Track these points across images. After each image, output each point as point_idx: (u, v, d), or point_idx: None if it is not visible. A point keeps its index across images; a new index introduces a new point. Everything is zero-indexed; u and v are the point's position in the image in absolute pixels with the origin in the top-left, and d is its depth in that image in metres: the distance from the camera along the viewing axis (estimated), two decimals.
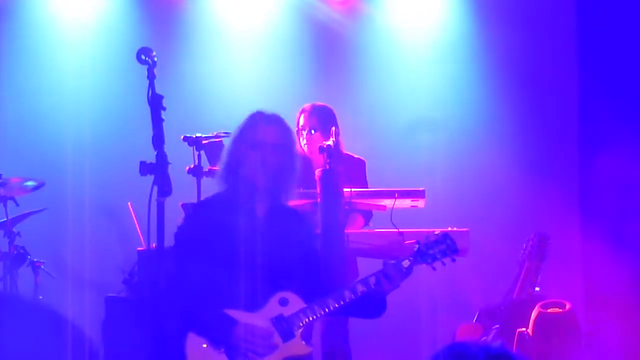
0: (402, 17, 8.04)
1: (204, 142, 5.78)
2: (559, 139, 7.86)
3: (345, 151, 6.41)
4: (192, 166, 5.73)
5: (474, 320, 6.22)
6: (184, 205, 5.94)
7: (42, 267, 6.70)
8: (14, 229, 6.62)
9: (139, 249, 6.23)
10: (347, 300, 4.50)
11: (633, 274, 6.96)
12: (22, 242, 6.64)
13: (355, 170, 6.40)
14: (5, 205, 6.61)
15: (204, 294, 4.43)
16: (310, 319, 4.48)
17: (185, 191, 5.49)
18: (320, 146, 5.68)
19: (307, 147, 6.30)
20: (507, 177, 7.81)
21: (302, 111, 6.38)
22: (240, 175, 4.57)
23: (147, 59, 3.96)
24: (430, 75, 7.99)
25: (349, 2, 8.06)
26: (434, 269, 4.64)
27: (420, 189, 6.14)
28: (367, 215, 6.34)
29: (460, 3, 8.05)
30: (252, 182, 4.55)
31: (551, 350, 5.76)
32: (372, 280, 4.52)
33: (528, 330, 5.83)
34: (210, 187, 5.93)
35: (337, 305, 4.49)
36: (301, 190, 5.25)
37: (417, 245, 4.65)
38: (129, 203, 6.60)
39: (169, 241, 4.04)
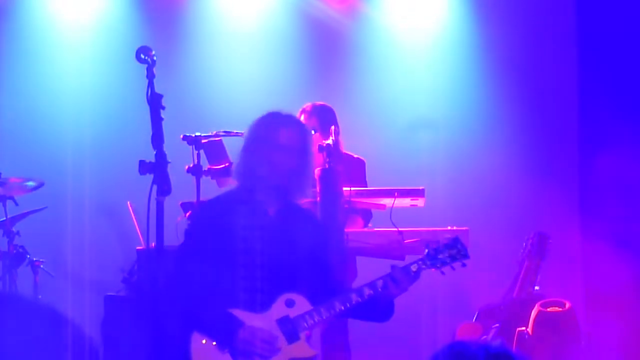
0: (402, 16, 8.04)
1: (203, 141, 5.78)
2: (558, 138, 7.86)
3: (345, 150, 6.41)
4: (191, 165, 5.72)
5: (473, 320, 6.22)
6: (183, 204, 5.94)
7: (42, 266, 6.70)
8: (13, 228, 6.62)
9: (138, 248, 6.24)
10: (354, 302, 4.46)
11: (633, 273, 6.96)
12: (21, 241, 6.64)
13: (355, 169, 6.40)
14: (4, 205, 6.61)
15: (211, 293, 4.41)
16: (316, 321, 4.45)
17: (184, 190, 5.49)
18: (319, 145, 5.68)
19: None
20: (506, 176, 7.81)
21: (303, 111, 6.38)
22: (258, 175, 4.53)
23: (146, 58, 3.96)
24: (429, 75, 7.99)
25: (349, 2, 8.05)
26: (442, 273, 4.58)
27: (420, 188, 6.14)
28: (367, 217, 6.34)
29: (460, 3, 8.04)
30: (271, 183, 4.53)
31: (551, 349, 5.76)
32: (380, 283, 4.48)
33: (528, 329, 5.83)
34: (210, 186, 5.96)
35: (343, 308, 4.46)
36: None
37: (426, 249, 4.59)
38: (128, 202, 6.60)
39: (168, 240, 4.04)
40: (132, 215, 6.55)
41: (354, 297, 4.46)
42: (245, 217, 4.51)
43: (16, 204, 6.69)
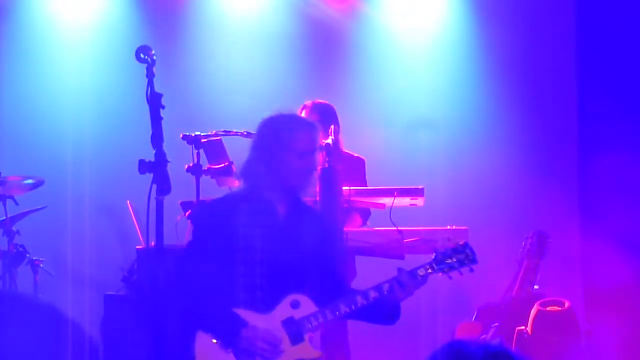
0: (402, 16, 8.04)
1: (202, 140, 5.78)
2: (558, 137, 7.86)
3: (345, 150, 6.42)
4: (191, 164, 5.72)
5: (473, 319, 6.23)
6: (183, 204, 5.95)
7: (42, 265, 6.70)
8: (13, 228, 6.62)
9: (138, 247, 6.24)
10: (359, 305, 4.44)
11: (632, 272, 6.96)
12: (21, 240, 6.64)
13: (355, 168, 6.40)
14: (4, 204, 6.61)
15: (217, 291, 4.40)
16: (321, 322, 4.44)
17: (184, 189, 5.49)
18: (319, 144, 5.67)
19: None
20: (506, 175, 7.81)
21: (304, 107, 6.38)
22: (270, 176, 4.51)
23: (146, 57, 3.96)
24: (429, 75, 7.99)
25: (349, 2, 8.06)
26: (450, 278, 4.55)
27: (420, 187, 6.15)
28: (365, 214, 6.34)
29: (460, 3, 8.05)
30: (284, 184, 4.51)
31: (550, 348, 5.76)
32: (386, 287, 4.45)
33: (527, 328, 5.83)
34: (210, 185, 5.96)
35: (348, 310, 4.44)
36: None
37: (434, 253, 4.55)
38: (128, 201, 6.60)
39: (168, 239, 4.04)
40: (132, 214, 6.56)
41: (360, 300, 4.45)
42: (254, 216, 4.49)
43: (16, 203, 6.69)
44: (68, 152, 7.60)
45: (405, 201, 6.13)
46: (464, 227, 5.96)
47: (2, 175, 6.60)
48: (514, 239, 6.60)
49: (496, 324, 6.04)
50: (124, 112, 7.59)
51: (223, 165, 5.89)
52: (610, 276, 7.00)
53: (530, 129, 7.89)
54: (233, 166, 5.90)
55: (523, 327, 5.84)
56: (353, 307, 4.44)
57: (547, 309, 5.84)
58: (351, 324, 6.04)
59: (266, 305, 4.43)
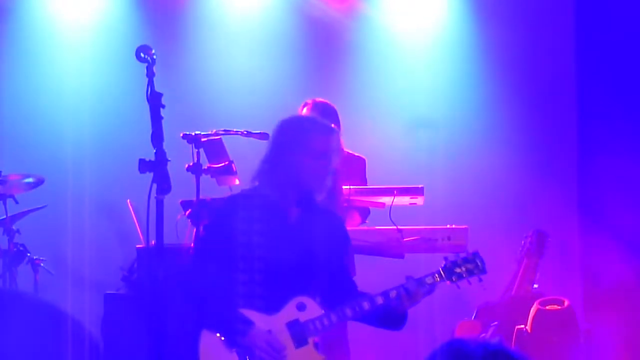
0: (402, 16, 8.04)
1: (203, 139, 5.77)
2: (557, 136, 7.87)
3: (345, 149, 6.42)
4: (191, 164, 5.72)
5: (472, 317, 6.23)
6: (183, 203, 5.95)
7: (42, 264, 6.71)
8: (14, 227, 6.63)
9: (138, 246, 6.25)
10: (365, 310, 4.42)
11: (631, 271, 6.97)
12: (21, 239, 6.65)
13: (355, 167, 6.40)
14: (4, 203, 6.62)
15: (223, 291, 4.38)
16: (326, 326, 4.40)
17: (184, 189, 5.49)
18: None
19: None
20: (505, 174, 7.81)
21: (304, 105, 6.38)
22: (289, 178, 4.48)
23: (146, 56, 3.96)
24: (429, 74, 7.99)
25: (349, 2, 8.06)
26: (458, 287, 4.52)
27: (419, 186, 6.15)
28: (364, 213, 6.34)
29: (460, 3, 8.05)
30: (302, 188, 4.49)
31: (549, 347, 5.77)
32: (393, 293, 4.43)
33: (526, 327, 5.83)
34: (210, 184, 5.97)
35: (353, 315, 4.43)
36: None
37: (444, 262, 4.52)
38: (128, 200, 6.60)
39: (168, 239, 4.04)
40: (132, 213, 6.56)
41: (366, 305, 4.43)
42: (264, 217, 4.47)
43: (16, 202, 6.70)
44: (68, 151, 7.61)
45: (405, 200, 6.14)
46: (463, 226, 5.97)
47: (2, 174, 6.61)
48: (514, 237, 6.61)
49: (496, 322, 6.04)
50: (124, 112, 7.59)
51: (223, 164, 5.89)
52: (609, 275, 7.01)
53: (530, 128, 7.90)
54: (233, 165, 5.91)
55: (522, 326, 5.84)
56: (359, 312, 4.43)
57: (547, 307, 5.85)
58: (351, 323, 6.04)
59: (272, 306, 4.41)
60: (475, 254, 4.55)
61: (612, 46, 7.45)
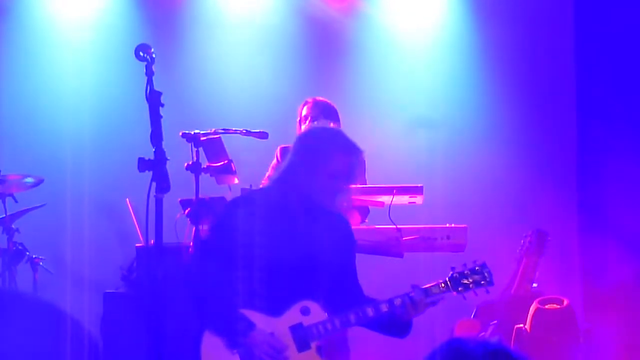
0: (401, 16, 8.04)
1: (202, 138, 5.76)
2: (557, 136, 7.86)
3: None
4: (190, 163, 5.72)
5: (472, 316, 6.23)
6: (182, 202, 5.95)
7: (41, 263, 6.71)
8: (13, 226, 6.63)
9: (137, 245, 6.24)
10: (369, 317, 4.41)
11: (631, 270, 6.97)
12: (20, 238, 6.65)
13: None
14: (4, 202, 6.62)
15: (227, 292, 4.37)
16: (329, 331, 4.39)
17: (183, 187, 5.49)
18: None
19: None
20: (505, 173, 7.81)
21: (305, 103, 6.38)
22: (301, 190, 4.44)
23: (145, 55, 3.96)
24: (429, 74, 7.99)
25: (348, 1, 8.05)
26: (464, 298, 4.50)
27: (419, 185, 6.15)
28: (364, 212, 6.34)
29: (459, 2, 8.05)
30: (312, 202, 4.44)
31: (549, 346, 5.76)
32: (398, 301, 4.41)
33: (526, 326, 5.83)
34: (209, 183, 5.96)
35: (357, 321, 4.41)
36: None
37: (450, 272, 4.48)
38: (127, 199, 6.60)
39: (167, 237, 4.04)
40: (131, 212, 6.56)
41: (370, 312, 4.41)
42: (271, 219, 4.44)
43: (15, 201, 6.70)
44: (67, 150, 7.60)
45: (404, 199, 6.13)
46: (463, 225, 5.96)
47: (1, 173, 6.61)
48: (513, 236, 6.60)
49: (495, 321, 6.04)
50: (124, 111, 7.59)
51: (222, 163, 5.88)
52: (609, 274, 7.01)
53: (530, 127, 7.89)
54: (232, 164, 5.90)
55: (522, 325, 5.84)
56: (363, 318, 4.41)
57: (546, 306, 5.84)
58: None
59: (276, 309, 4.39)
60: (483, 265, 4.52)
61: (611, 46, 7.45)
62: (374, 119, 7.90)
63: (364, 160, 4.60)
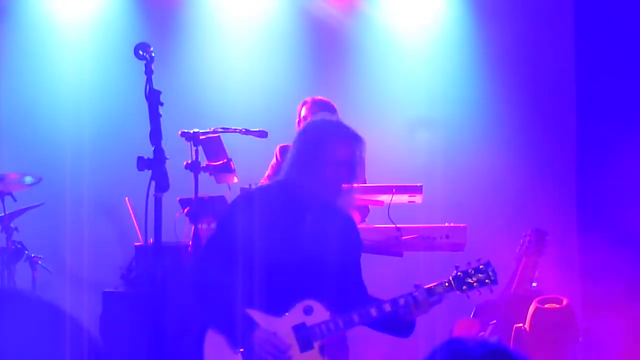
0: (401, 15, 8.03)
1: (201, 137, 5.77)
2: (556, 135, 7.86)
3: None
4: (189, 161, 5.72)
5: (471, 316, 6.23)
6: (181, 201, 5.95)
7: (40, 262, 6.70)
8: (12, 224, 6.62)
9: (136, 244, 6.24)
10: (372, 317, 4.40)
11: (630, 270, 6.97)
12: (19, 237, 6.64)
13: None
14: (2, 201, 6.61)
15: (231, 291, 4.34)
16: (332, 331, 4.37)
17: (182, 186, 5.49)
18: None
19: None
20: (504, 173, 7.81)
21: (304, 103, 6.38)
22: (307, 182, 4.42)
23: (144, 54, 3.96)
24: (428, 74, 7.98)
25: (348, 0, 8.05)
26: (468, 297, 4.49)
27: (418, 184, 6.14)
28: (364, 212, 6.34)
29: (459, 2, 8.04)
30: (319, 194, 4.43)
31: (548, 346, 5.76)
32: (401, 301, 4.40)
33: (525, 325, 5.83)
34: (208, 182, 5.96)
35: (360, 321, 4.40)
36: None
37: (454, 271, 4.47)
38: (126, 198, 6.60)
39: (166, 236, 4.04)
40: (131, 211, 6.56)
41: (373, 312, 4.40)
42: (277, 218, 4.43)
43: (14, 200, 6.69)
44: (67, 149, 7.60)
45: (404, 198, 6.13)
46: (462, 225, 5.96)
47: (0, 172, 6.60)
48: (513, 236, 6.60)
49: (494, 321, 6.04)
50: (123, 110, 7.58)
51: (221, 162, 5.89)
52: (608, 274, 7.00)
53: (529, 127, 7.89)
54: (231, 163, 5.90)
55: (521, 325, 5.84)
56: (366, 318, 4.40)
57: (545, 306, 5.84)
58: None
59: (279, 308, 4.38)
60: (487, 264, 4.50)
61: (611, 46, 7.45)
62: (374, 118, 7.89)
63: (364, 158, 4.58)
